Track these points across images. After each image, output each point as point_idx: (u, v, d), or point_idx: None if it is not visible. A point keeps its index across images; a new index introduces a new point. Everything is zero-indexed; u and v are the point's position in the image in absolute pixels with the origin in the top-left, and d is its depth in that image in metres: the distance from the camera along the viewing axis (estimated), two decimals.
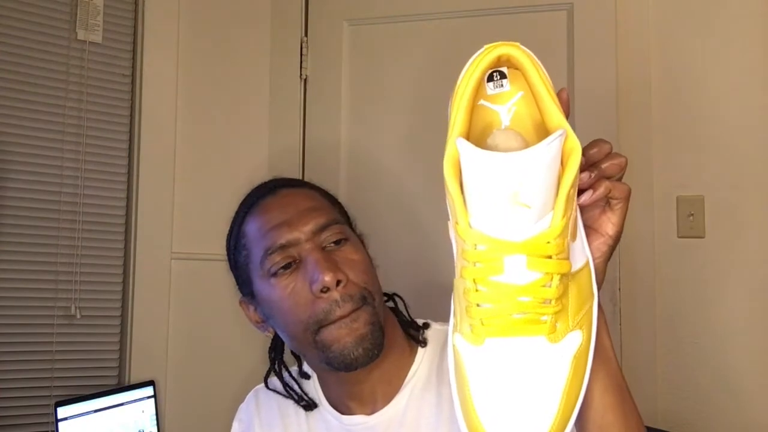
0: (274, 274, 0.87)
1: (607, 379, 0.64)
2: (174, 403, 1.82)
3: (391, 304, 0.97)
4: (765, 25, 1.73)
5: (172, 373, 1.83)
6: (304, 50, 2.00)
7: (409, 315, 0.97)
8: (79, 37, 1.76)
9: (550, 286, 0.51)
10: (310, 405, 0.96)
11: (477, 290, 0.52)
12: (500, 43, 0.56)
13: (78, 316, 1.71)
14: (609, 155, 0.62)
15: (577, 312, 0.55)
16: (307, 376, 0.99)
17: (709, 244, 1.72)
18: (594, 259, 0.62)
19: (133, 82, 1.85)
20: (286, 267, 0.87)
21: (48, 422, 1.62)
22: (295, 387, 0.97)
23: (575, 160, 0.53)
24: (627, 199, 0.64)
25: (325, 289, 0.84)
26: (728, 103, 1.74)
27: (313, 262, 0.85)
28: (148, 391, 1.70)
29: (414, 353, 0.93)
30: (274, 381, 1.01)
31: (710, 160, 1.74)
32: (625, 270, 1.73)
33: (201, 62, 1.95)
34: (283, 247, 0.87)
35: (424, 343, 0.94)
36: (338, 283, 0.84)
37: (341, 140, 1.96)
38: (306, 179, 1.93)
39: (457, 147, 0.50)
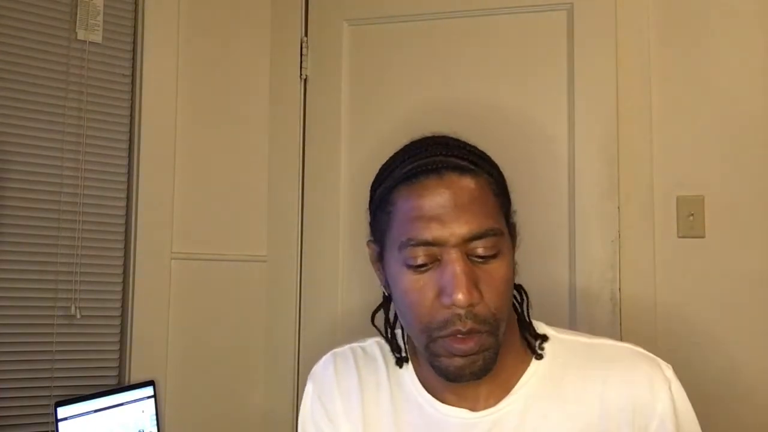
0: (409, 266, 0.82)
1: None
2: (174, 403, 1.82)
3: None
4: (765, 25, 1.73)
5: (172, 373, 1.83)
6: (304, 50, 2.00)
7: (528, 316, 0.92)
8: (79, 37, 1.76)
9: None
10: (401, 360, 0.92)
11: None
12: None
13: (78, 316, 1.71)
14: None
15: None
16: (398, 350, 0.94)
17: (709, 244, 1.72)
18: None
19: (133, 82, 1.85)
20: (422, 265, 0.81)
21: (48, 422, 1.62)
22: (394, 339, 0.94)
23: None
24: None
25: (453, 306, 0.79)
26: (728, 103, 1.74)
27: (451, 274, 0.78)
28: (148, 391, 1.70)
29: (528, 360, 0.89)
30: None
31: (710, 160, 1.74)
32: (625, 270, 1.73)
33: (201, 62, 1.95)
34: (427, 244, 0.80)
35: (540, 356, 0.89)
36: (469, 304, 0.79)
37: (341, 140, 1.96)
38: (307, 178, 1.96)
39: None
